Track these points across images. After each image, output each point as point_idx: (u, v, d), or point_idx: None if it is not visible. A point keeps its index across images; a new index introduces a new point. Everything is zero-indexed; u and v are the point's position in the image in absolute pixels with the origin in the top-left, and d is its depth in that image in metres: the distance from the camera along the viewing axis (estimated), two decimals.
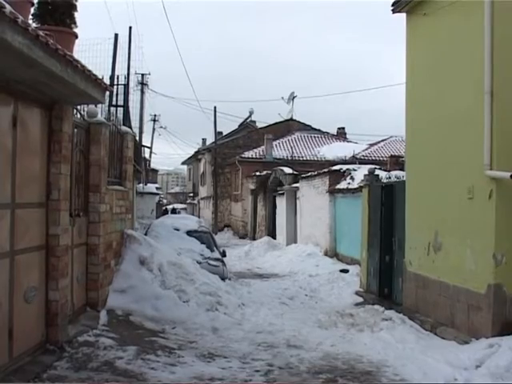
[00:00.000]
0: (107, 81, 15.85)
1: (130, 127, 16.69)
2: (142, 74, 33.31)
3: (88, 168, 7.80)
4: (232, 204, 36.64)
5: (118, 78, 17.37)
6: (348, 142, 36.90)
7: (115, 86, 16.93)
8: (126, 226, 9.61)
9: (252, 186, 30.33)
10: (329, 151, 33.08)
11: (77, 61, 5.42)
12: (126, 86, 17.64)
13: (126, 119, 17.18)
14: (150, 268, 8.94)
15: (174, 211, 39.67)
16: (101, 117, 8.14)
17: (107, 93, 6.88)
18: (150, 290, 8.46)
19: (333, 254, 17.32)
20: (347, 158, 29.18)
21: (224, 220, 37.04)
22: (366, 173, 12.84)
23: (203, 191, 43.11)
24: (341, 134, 39.14)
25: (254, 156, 33.05)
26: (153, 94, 36.20)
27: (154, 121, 46.43)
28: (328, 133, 38.26)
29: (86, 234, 7.68)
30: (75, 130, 7.25)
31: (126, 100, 17.45)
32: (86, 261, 7.69)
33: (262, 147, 33.48)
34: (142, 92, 32.02)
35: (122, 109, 17.18)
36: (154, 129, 46.80)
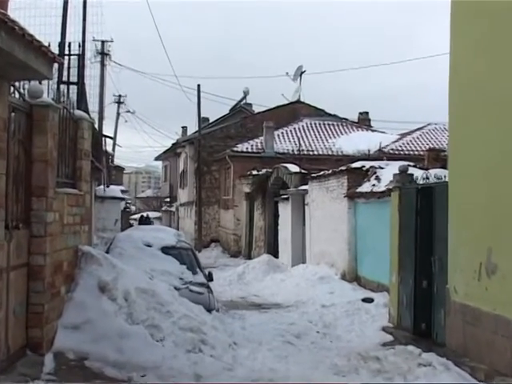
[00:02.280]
0: (55, 49, 15.77)
1: (87, 111, 16.63)
2: (103, 41, 33.33)
3: (30, 165, 7.69)
4: (221, 212, 36.61)
5: (69, 46, 17.25)
6: (373, 131, 37.00)
7: (66, 57, 16.85)
8: (82, 241, 9.51)
9: (247, 189, 30.28)
10: (347, 143, 33.11)
11: (13, 21, 5.33)
12: (81, 56, 17.52)
13: (82, 101, 17.10)
14: (112, 296, 8.85)
15: (144, 221, 39.60)
16: (47, 97, 8.04)
17: (55, 65, 6.79)
18: (113, 325, 8.38)
19: (353, 277, 17.27)
20: (372, 153, 29.20)
21: (210, 233, 37.02)
22: (397, 171, 12.78)
23: (183, 195, 43.09)
24: (363, 121, 39.23)
25: (249, 150, 33.07)
26: (117, 68, 36.27)
27: (119, 103, 46.56)
28: (346, 119, 38.36)
29: (26, 253, 7.57)
30: (12, 114, 7.15)
31: (80, 75, 17.33)
32: (27, 288, 7.57)
33: (261, 138, 33.50)
34: (103, 65, 32.04)
35: (75, 87, 17.08)
36: (118, 114, 46.93)
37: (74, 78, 17.27)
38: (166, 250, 12.32)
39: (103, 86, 31.52)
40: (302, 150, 31.95)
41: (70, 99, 10.06)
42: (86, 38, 19.19)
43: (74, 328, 8.22)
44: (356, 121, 39.20)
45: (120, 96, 46.20)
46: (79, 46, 17.75)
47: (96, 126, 26.03)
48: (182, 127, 54.73)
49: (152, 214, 61.49)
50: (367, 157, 26.69)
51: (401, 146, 32.28)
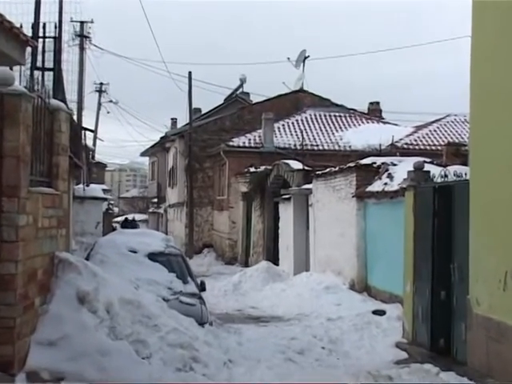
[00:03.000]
0: (28, 31, 15.70)
1: (65, 101, 16.60)
2: (81, 22, 33.27)
3: (0, 161, 7.66)
4: (215, 214, 36.61)
5: (44, 28, 17.18)
6: (384, 123, 37.04)
7: (41, 40, 16.79)
8: (59, 246, 9.48)
9: (244, 188, 30.27)
10: (356, 137, 33.13)
11: None
12: (57, 39, 17.46)
13: (58, 89, 17.06)
14: (93, 309, 8.83)
15: (129, 224, 39.58)
16: (19, 85, 8.01)
17: (29, 49, 6.76)
18: (94, 341, 8.35)
19: (362, 287, 17.27)
20: (383, 148, 29.19)
21: (203, 237, 37.02)
22: (411, 168, 12.77)
23: (173, 195, 43.08)
24: (374, 112, 39.27)
25: (246, 144, 33.07)
26: (98, 53, 36.21)
27: (100, 92, 46.49)
28: (355, 110, 38.39)
29: None
30: None
31: (56, 60, 17.27)
32: None
33: (259, 131, 33.50)
34: (82, 48, 32.00)
35: (51, 73, 17.03)
36: (99, 104, 46.88)
37: (49, 64, 17.21)
38: (153, 256, 12.30)
39: (82, 73, 31.51)
40: (306, 145, 31.97)
41: (45, 87, 10.02)
42: (63, 19, 19.16)
43: (50, 344, 8.19)
44: (366, 112, 39.23)
45: (101, 84, 46.21)
46: (55, 28, 17.70)
47: (74, 117, 26.01)
48: (172, 119, 54.72)
49: (137, 217, 61.53)
50: (378, 152, 26.68)
51: (416, 140, 32.31)
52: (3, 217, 7.64)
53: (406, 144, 31.41)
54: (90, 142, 38.93)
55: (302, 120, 35.81)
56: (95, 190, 27.49)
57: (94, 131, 41.75)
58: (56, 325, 8.41)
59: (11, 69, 7.83)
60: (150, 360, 8.60)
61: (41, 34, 17.06)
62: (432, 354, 10.84)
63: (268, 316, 16.28)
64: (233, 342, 11.87)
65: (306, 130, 34.29)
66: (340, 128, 35.25)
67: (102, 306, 8.94)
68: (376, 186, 16.71)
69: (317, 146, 33.00)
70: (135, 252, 12.33)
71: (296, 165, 23.65)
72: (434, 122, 35.63)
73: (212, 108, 43.94)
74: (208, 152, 36.06)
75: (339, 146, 32.69)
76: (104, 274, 9.72)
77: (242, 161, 31.80)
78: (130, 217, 48.48)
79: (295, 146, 32.24)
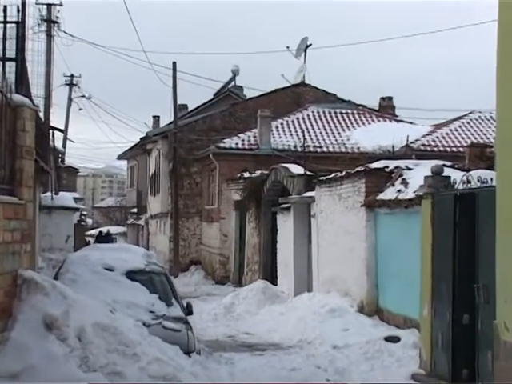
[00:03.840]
0: None
1: (29, 96, 16.53)
2: (49, 5, 33.23)
3: None
4: (203, 226, 36.59)
5: (5, 11, 17.11)
6: (398, 121, 37.09)
7: (0, 25, 16.73)
8: (22, 264, 9.44)
9: (237, 196, 30.24)
10: (366, 137, 33.16)
11: None
12: (20, 24, 17.40)
13: (22, 83, 17.00)
14: (62, 336, 8.80)
15: (104, 238, 39.51)
16: None
17: None
18: (63, 373, 8.32)
19: (373, 309, 17.25)
20: (397, 149, 29.19)
21: (190, 253, 36.99)
22: (429, 173, 12.77)
23: (155, 205, 43.05)
24: (386, 109, 39.36)
25: (239, 146, 33.09)
26: (68, 40, 35.85)
27: (71, 85, 46.56)
28: (364, 106, 38.47)
29: None
30: None
31: (20, 49, 17.22)
32: None
33: (254, 131, 33.54)
34: (50, 36, 31.95)
35: (13, 64, 16.98)
36: (70, 100, 46.94)
37: (11, 53, 17.16)
38: (132, 275, 12.30)
39: (50, 64, 31.45)
40: (308, 146, 31.92)
41: (6, 80, 10.01)
42: (27, 1, 19.09)
43: (12, 377, 8.15)
44: (376, 108, 39.26)
45: (72, 76, 46.28)
46: (18, 12, 17.64)
47: (41, 115, 25.98)
48: (154, 117, 54.80)
49: (114, 229, 61.44)
50: (391, 154, 26.66)
51: (434, 141, 32.32)
52: None
53: (423, 145, 31.40)
54: (59, 144, 38.92)
55: (303, 118, 35.84)
56: (65, 198, 27.48)
57: (64, 131, 41.75)
58: (19, 355, 8.37)
59: None
60: None
61: (1, 19, 17.01)
62: None
63: (265, 343, 16.27)
64: (224, 373, 11.83)
65: (307, 129, 34.30)
66: (347, 127, 35.28)
67: (72, 333, 8.91)
68: (388, 194, 16.69)
69: (320, 147, 33.01)
70: (111, 270, 12.32)
71: (296, 169, 23.64)
72: (455, 119, 35.62)
73: (200, 104, 43.96)
74: (195, 155, 36.04)
75: (346, 148, 32.71)
76: (75, 295, 9.69)
77: (235, 165, 31.78)
78: (105, 229, 48.35)
79: (296, 147, 32.21)
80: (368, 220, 17.54)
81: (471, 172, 12.31)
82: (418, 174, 15.37)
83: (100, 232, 44.34)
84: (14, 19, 17.02)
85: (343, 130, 34.85)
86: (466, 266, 11.01)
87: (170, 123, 38.59)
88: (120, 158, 60.21)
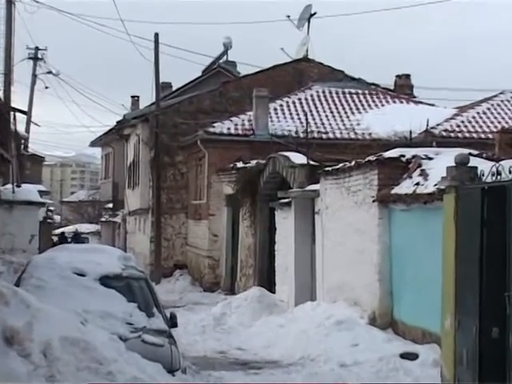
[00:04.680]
0: None
1: None
2: None
3: None
4: (190, 224, 36.59)
5: None
6: (417, 103, 37.08)
7: None
8: None
9: (229, 190, 30.24)
10: (378, 121, 33.16)
11: None
12: None
13: None
14: (25, 351, 8.79)
15: (74, 238, 39.55)
16: None
17: None
18: None
19: (386, 322, 17.28)
20: (415, 135, 29.20)
21: (174, 255, 36.97)
22: (452, 163, 12.76)
23: (134, 199, 43.01)
24: (402, 88, 39.34)
25: (232, 131, 33.08)
26: (32, 7, 35.52)
27: (36, 60, 46.37)
28: (377, 85, 38.48)
29: None
30: None
31: None
32: None
33: (249, 114, 33.53)
34: (10, 1, 31.75)
35: None
36: (34, 76, 46.75)
37: None
38: (106, 280, 12.29)
39: (11, 35, 31.30)
40: (311, 132, 31.89)
41: None
42: None
43: None
44: (391, 88, 39.23)
45: (37, 49, 46.15)
46: None
47: (0, 93, 25.91)
48: (132, 97, 54.61)
49: (86, 228, 61.41)
50: (408, 142, 26.65)
51: (459, 126, 32.32)
52: None
53: (446, 131, 31.40)
54: (21, 128, 38.84)
55: (306, 99, 35.82)
56: (29, 191, 27.38)
57: (28, 113, 41.66)
58: None
59: None
60: None
61: None
62: None
63: (261, 360, 16.27)
64: None
65: (311, 111, 34.28)
66: (357, 109, 35.27)
67: (36, 348, 8.90)
68: (405, 187, 16.69)
69: (326, 133, 32.99)
70: (83, 275, 12.29)
71: (298, 158, 23.63)
72: (483, 101, 35.55)
73: (186, 82, 43.87)
74: (181, 141, 36.02)
75: (356, 134, 32.70)
76: (40, 304, 9.68)
77: (227, 153, 31.77)
78: (72, 228, 48.34)
79: (297, 133, 32.20)
80: (381, 217, 17.54)
81: (502, 162, 12.31)
82: (440, 164, 15.36)
83: (62, 233, 43.96)
84: None
85: (352, 113, 34.83)
86: (495, 272, 11.00)
87: (152, 104, 38.50)
88: (93, 144, 60.14)
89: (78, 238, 41.70)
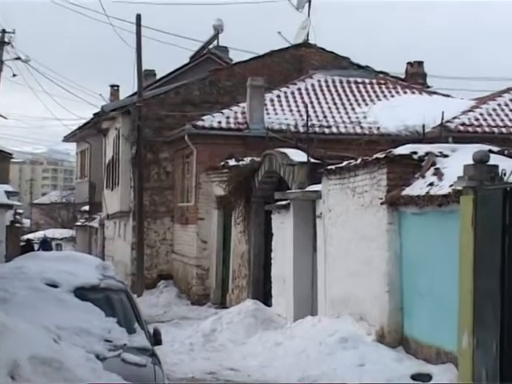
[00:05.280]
0: None
1: None
2: None
3: None
4: (176, 230, 36.58)
5: None
6: (431, 93, 37.08)
7: None
8: None
9: (220, 191, 30.20)
10: (388, 114, 33.17)
11: None
12: None
13: None
14: None
15: (42, 245, 39.55)
16: None
17: None
18: None
19: (396, 339, 17.28)
20: (429, 130, 29.22)
21: (158, 264, 36.94)
22: (470, 161, 12.78)
23: (113, 202, 42.99)
24: (415, 78, 39.37)
25: (223, 125, 33.07)
26: None
27: (2, 44, 46.17)
28: (386, 74, 38.48)
29: None
30: None
31: None
32: None
33: (242, 106, 33.52)
34: None
35: None
36: (1, 62, 46.54)
37: None
38: (82, 292, 12.24)
39: None
40: (312, 126, 31.92)
41: None
42: None
43: None
44: (402, 76, 39.23)
45: (4, 32, 45.98)
46: None
47: None
48: (112, 87, 54.62)
49: (60, 233, 61.37)
50: (421, 137, 26.69)
51: (478, 119, 32.34)
52: None
53: (463, 125, 31.41)
54: None
55: (306, 89, 35.80)
56: None
57: None
58: None
59: None
60: None
61: None
62: None
63: (255, 382, 16.26)
64: None
65: (312, 103, 34.27)
66: (363, 101, 35.25)
67: (4, 369, 8.89)
68: (417, 188, 16.69)
69: (329, 127, 32.97)
70: (56, 286, 12.24)
71: (298, 156, 23.61)
72: (505, 91, 35.51)
73: (172, 70, 43.82)
74: (166, 136, 36.00)
75: (362, 128, 32.70)
76: (7, 319, 9.67)
77: (218, 149, 31.74)
78: (46, 234, 48.29)
79: (296, 127, 32.20)
80: (390, 222, 17.54)
81: None
82: (456, 162, 15.38)
83: (27, 240, 43.69)
84: None
85: (358, 105, 34.82)
86: None
87: (133, 95, 38.47)
88: (67, 139, 60.06)
89: (46, 245, 41.55)
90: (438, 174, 16.43)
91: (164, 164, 37.24)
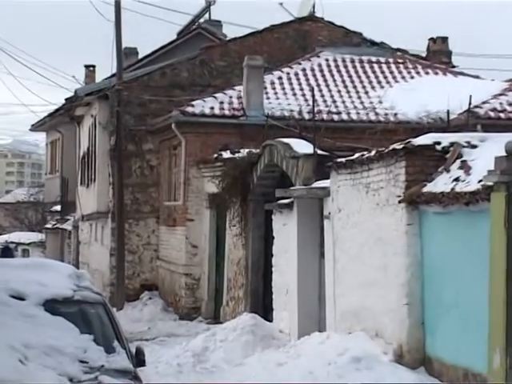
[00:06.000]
0: None
1: None
2: None
3: None
4: (162, 232, 36.62)
5: None
6: (456, 74, 37.03)
7: None
8: None
9: (213, 188, 30.21)
10: (407, 99, 33.19)
11: None
12: None
13: None
14: None
15: (5, 253, 39.60)
16: None
17: None
18: None
19: (417, 358, 17.27)
20: (454, 117, 29.22)
21: (142, 273, 36.98)
22: (502, 153, 12.78)
23: (89, 200, 43.01)
24: (437, 56, 39.35)
25: (216, 111, 33.08)
26: None
27: None
28: (405, 52, 38.45)
29: None
30: None
31: None
32: None
33: (238, 89, 33.53)
34: None
35: None
36: None
37: None
38: (53, 306, 12.23)
39: None
40: (319, 112, 31.93)
41: None
42: None
43: None
44: (423, 55, 39.22)
45: None
46: None
47: None
48: (87, 67, 54.55)
49: (27, 237, 61.35)
50: (445, 125, 26.67)
51: (511, 104, 32.31)
52: None
53: (494, 110, 31.37)
54: None
55: (312, 69, 35.81)
56: None
57: None
58: None
59: None
60: None
61: None
62: None
63: None
64: None
65: (319, 86, 34.29)
66: (378, 83, 35.27)
67: None
68: (441, 184, 16.69)
69: (338, 113, 32.97)
70: (22, 299, 12.23)
71: (302, 147, 23.59)
72: None
73: (157, 48, 43.81)
74: (150, 125, 36.04)
75: (377, 115, 32.71)
76: None
77: (210, 140, 31.81)
78: (9, 239, 48.29)
79: (301, 113, 32.21)
80: (410, 223, 17.53)
81: None
82: (486, 153, 15.39)
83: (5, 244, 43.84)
84: None
85: (373, 88, 34.83)
86: None
87: (112, 76, 38.50)
88: (35, 128, 60.07)
89: (6, 252, 41.53)
90: (465, 167, 16.43)
91: (148, 157, 37.24)
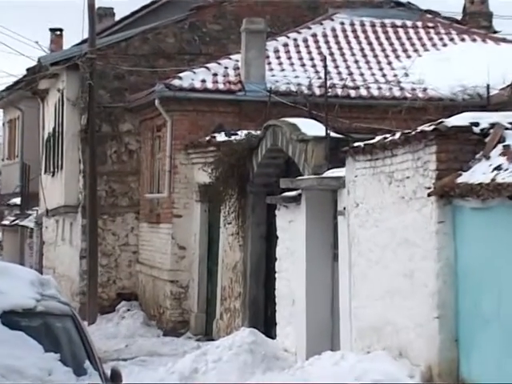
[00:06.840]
0: None
1: None
2: None
3: None
4: (143, 230, 36.76)
5: None
6: (498, 41, 37.01)
7: None
8: None
9: (204, 177, 30.26)
10: (438, 71, 33.20)
11: None
12: None
13: None
14: None
15: None
16: None
17: None
18: None
19: (451, 381, 17.27)
20: (495, 93, 29.27)
21: (118, 279, 37.07)
22: None
23: (55, 192, 43.06)
24: (476, 19, 39.34)
25: (209, 85, 33.11)
26: None
27: None
28: (436, 14, 38.45)
29: None
30: None
31: None
32: None
33: (235, 58, 33.51)
34: None
35: None
36: None
37: None
38: (11, 318, 12.10)
39: None
40: (333, 86, 31.96)
41: None
42: None
43: None
44: (459, 18, 39.21)
45: None
46: None
47: None
48: (52, 31, 54.56)
49: None
50: (484, 102, 26.71)
51: None
52: None
53: None
54: None
55: (324, 35, 35.86)
56: None
57: None
58: None
59: None
60: None
61: None
62: None
63: None
64: None
65: (333, 54, 34.35)
66: (404, 51, 35.31)
67: None
68: (479, 174, 16.70)
69: (356, 88, 33.00)
70: None
71: (312, 128, 23.62)
72: None
73: (137, 9, 43.86)
74: (129, 101, 36.08)
75: (402, 90, 32.74)
76: None
77: (201, 120, 31.93)
78: None
79: (311, 88, 32.25)
80: (441, 221, 17.55)
81: None
82: None
83: None
84: None
85: (397, 58, 34.87)
86: None
87: (83, 42, 38.49)
88: None
89: None
90: (509, 153, 16.45)
91: (126, 139, 37.31)
